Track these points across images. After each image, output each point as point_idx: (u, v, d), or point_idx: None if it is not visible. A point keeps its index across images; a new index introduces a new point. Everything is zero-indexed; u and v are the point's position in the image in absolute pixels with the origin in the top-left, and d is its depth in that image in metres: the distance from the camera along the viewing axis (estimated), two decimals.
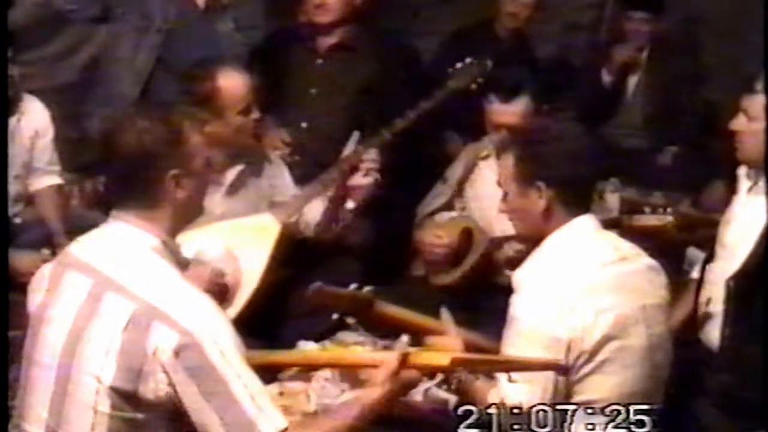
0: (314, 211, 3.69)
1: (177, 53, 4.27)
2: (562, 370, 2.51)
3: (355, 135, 3.70)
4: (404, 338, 2.50)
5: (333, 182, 3.64)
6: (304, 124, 4.31)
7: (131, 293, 2.20)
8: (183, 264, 2.34)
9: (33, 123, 4.16)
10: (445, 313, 2.87)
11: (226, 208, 3.53)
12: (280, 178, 3.77)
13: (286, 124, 4.25)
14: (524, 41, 5.22)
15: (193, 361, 2.13)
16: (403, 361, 2.32)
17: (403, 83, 4.54)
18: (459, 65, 3.85)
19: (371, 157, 3.59)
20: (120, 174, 2.30)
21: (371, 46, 4.43)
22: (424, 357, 2.46)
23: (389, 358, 2.34)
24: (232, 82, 3.49)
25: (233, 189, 3.61)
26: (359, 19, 4.39)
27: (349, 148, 3.66)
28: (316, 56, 4.33)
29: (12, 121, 4.05)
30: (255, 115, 3.54)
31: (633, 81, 5.30)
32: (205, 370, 2.13)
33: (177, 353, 2.13)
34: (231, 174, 3.61)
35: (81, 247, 2.35)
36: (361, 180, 3.60)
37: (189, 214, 2.36)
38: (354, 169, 3.60)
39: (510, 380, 2.45)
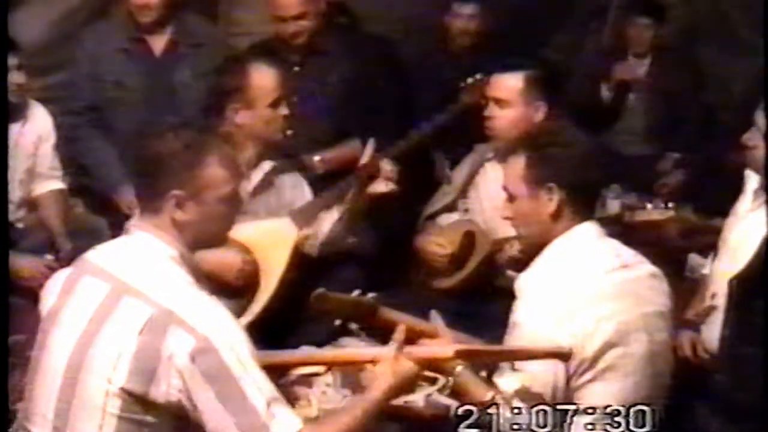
0: (323, 228, 3.70)
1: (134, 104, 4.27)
2: (566, 357, 2.52)
3: (371, 143, 3.71)
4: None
5: (350, 190, 3.66)
6: (288, 132, 4.32)
7: (149, 298, 2.24)
8: (200, 277, 2.38)
9: (36, 129, 4.18)
10: (435, 317, 2.87)
11: (248, 208, 3.56)
12: (299, 189, 3.78)
13: None
14: None
15: (209, 365, 2.18)
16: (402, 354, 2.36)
17: (382, 81, 4.59)
18: (470, 80, 3.90)
19: (390, 167, 3.61)
20: (137, 182, 2.38)
21: (346, 47, 4.46)
22: (427, 350, 2.47)
23: (388, 352, 2.39)
24: (263, 75, 3.57)
25: (259, 189, 3.64)
26: (329, 23, 4.41)
27: (366, 156, 3.68)
28: (292, 65, 4.34)
29: (16, 126, 4.06)
30: (284, 110, 3.60)
31: (632, 99, 5.32)
32: (221, 374, 2.18)
33: (193, 357, 2.17)
34: (258, 173, 3.64)
35: (98, 254, 2.40)
36: (381, 187, 3.61)
37: (200, 237, 2.38)
38: (372, 177, 3.62)
39: (514, 369, 2.46)
